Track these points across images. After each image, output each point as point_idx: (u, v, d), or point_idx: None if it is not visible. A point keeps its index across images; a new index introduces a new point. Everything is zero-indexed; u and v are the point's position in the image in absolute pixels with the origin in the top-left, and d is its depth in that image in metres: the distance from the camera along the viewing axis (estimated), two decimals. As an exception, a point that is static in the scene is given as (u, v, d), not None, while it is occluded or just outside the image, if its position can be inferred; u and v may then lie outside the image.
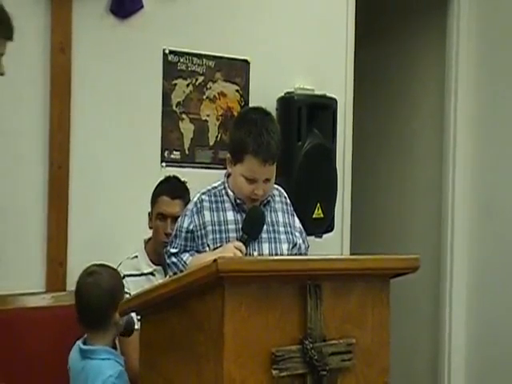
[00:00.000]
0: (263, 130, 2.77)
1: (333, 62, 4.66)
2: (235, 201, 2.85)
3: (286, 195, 3.01)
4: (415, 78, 5.55)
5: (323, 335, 2.29)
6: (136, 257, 3.50)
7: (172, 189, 3.49)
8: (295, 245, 2.95)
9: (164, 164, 4.07)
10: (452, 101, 5.12)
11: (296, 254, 2.94)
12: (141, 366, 2.50)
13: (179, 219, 2.90)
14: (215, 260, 2.08)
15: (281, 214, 2.94)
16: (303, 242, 3.00)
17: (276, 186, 2.99)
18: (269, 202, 2.92)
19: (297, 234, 2.97)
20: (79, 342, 2.91)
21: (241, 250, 2.72)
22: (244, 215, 2.84)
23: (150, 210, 3.53)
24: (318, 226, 4.33)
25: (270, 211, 2.91)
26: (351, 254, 4.61)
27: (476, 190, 5.08)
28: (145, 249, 3.55)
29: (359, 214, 5.10)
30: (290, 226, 2.95)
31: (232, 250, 2.70)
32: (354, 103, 4.77)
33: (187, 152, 4.15)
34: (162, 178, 3.62)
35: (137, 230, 3.61)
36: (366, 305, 2.43)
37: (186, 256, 2.83)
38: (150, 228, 3.54)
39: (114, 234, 3.78)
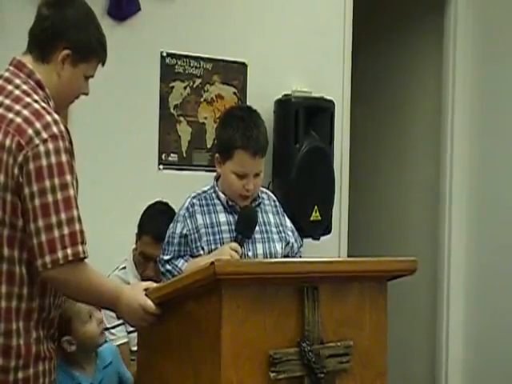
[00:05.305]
0: (251, 124, 2.80)
1: (330, 65, 4.66)
2: (227, 203, 2.85)
3: (274, 198, 3.04)
4: (413, 80, 5.55)
5: (321, 337, 2.29)
6: (124, 267, 3.45)
7: (157, 229, 3.27)
8: (288, 243, 2.96)
9: (161, 167, 4.07)
10: (450, 103, 5.12)
11: (289, 253, 2.96)
12: (138, 368, 2.50)
13: (170, 226, 2.87)
14: (212, 263, 2.08)
15: (271, 215, 2.95)
16: (295, 240, 3.01)
17: (264, 189, 3.02)
18: (259, 204, 2.93)
19: (289, 233, 2.98)
20: None
21: (237, 252, 2.72)
22: (236, 216, 2.84)
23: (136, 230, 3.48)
24: (316, 229, 4.33)
25: (261, 212, 2.92)
26: (349, 257, 4.62)
27: (473, 193, 5.08)
28: (133, 259, 3.48)
29: (357, 217, 5.10)
30: (282, 225, 2.97)
31: (228, 252, 2.70)
32: (351, 106, 4.78)
33: (185, 155, 4.15)
34: (150, 203, 3.48)
35: (134, 232, 3.60)
36: (364, 307, 2.44)
37: (180, 262, 2.81)
38: (135, 249, 3.48)
39: (110, 236, 3.77)
